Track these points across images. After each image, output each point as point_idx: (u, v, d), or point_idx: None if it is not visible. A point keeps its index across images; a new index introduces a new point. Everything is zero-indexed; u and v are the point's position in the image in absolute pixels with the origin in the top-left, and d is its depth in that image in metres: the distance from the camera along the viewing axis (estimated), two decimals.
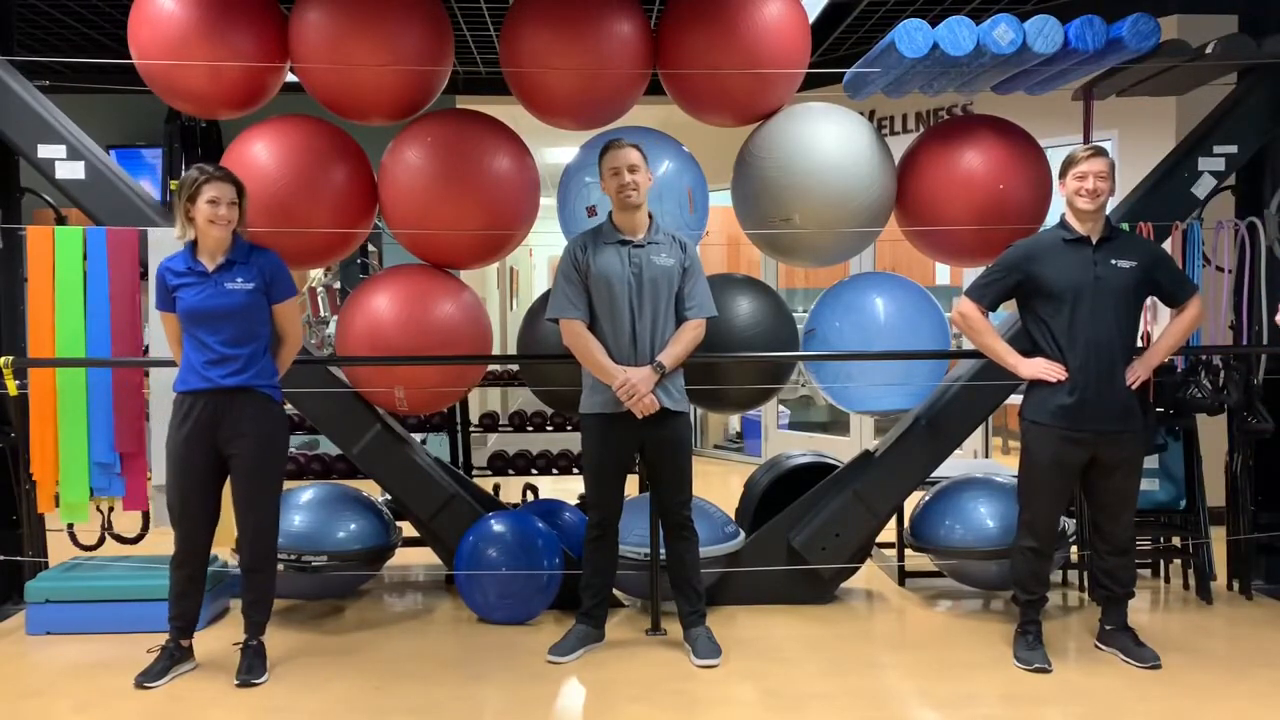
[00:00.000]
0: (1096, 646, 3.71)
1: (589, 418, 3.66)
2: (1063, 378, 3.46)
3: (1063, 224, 3.55)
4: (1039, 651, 3.56)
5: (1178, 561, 4.56)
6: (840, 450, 5.95)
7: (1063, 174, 3.54)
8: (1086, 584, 4.35)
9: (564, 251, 3.69)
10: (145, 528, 4.16)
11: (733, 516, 4.55)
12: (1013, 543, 3.70)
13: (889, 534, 4.57)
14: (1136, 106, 5.09)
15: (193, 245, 3.41)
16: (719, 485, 6.81)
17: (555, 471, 5.30)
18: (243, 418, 3.39)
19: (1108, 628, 3.69)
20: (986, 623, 4.09)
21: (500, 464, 5.30)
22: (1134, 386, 3.49)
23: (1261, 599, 4.33)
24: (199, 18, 3.87)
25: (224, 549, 3.82)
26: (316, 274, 7.63)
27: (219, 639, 3.81)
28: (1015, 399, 3.83)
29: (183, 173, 3.85)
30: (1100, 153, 3.49)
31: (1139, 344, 3.75)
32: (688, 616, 3.74)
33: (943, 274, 7.92)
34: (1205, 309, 3.56)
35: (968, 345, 3.95)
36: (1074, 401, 3.44)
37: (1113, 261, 3.46)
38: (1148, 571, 4.71)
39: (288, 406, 4.93)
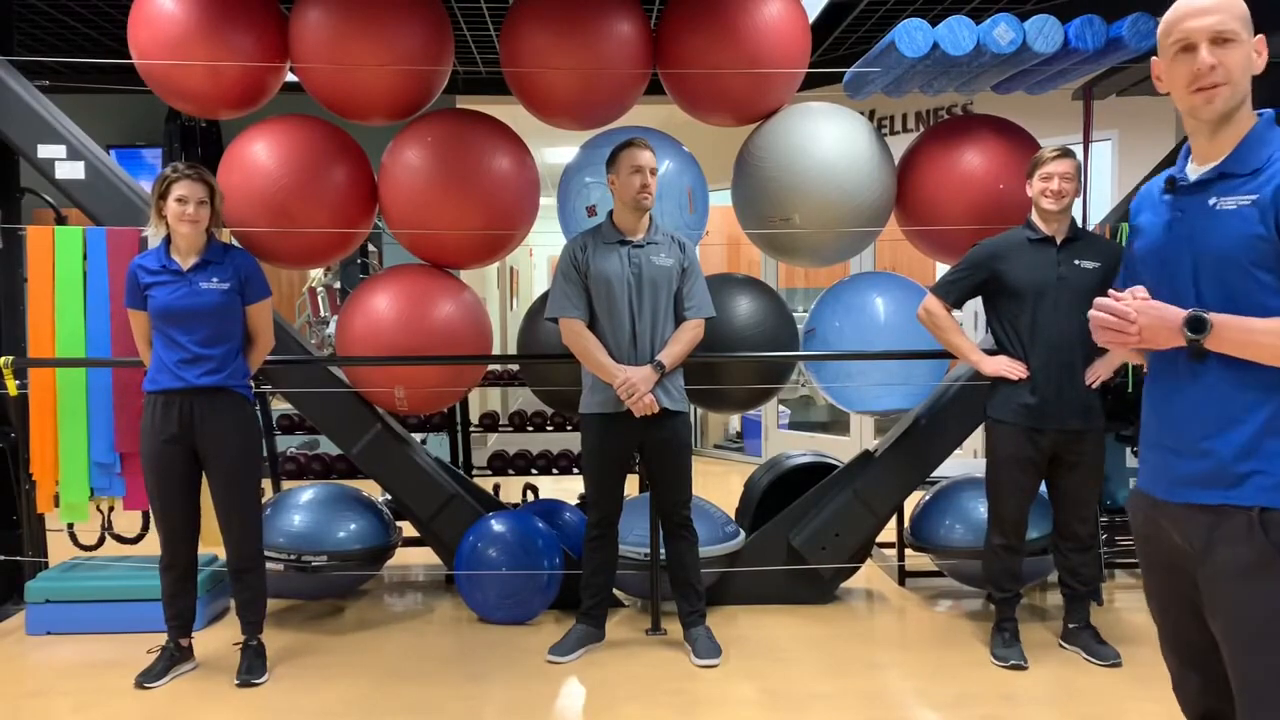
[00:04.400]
0: (1060, 645, 3.75)
1: (589, 417, 3.66)
2: (1024, 376, 3.51)
3: (1028, 224, 3.59)
4: (1015, 649, 3.60)
5: None
6: (840, 450, 5.94)
7: (1030, 174, 3.58)
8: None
9: (563, 251, 3.69)
10: (145, 528, 4.16)
11: (733, 516, 4.55)
12: (984, 542, 3.74)
13: (889, 534, 4.57)
14: (1136, 106, 5.09)
15: (167, 244, 3.42)
16: (719, 485, 6.81)
17: (555, 471, 5.30)
18: (219, 418, 3.39)
19: (1070, 625, 3.73)
20: (987, 623, 4.07)
21: (500, 464, 5.30)
22: (1094, 386, 3.52)
23: None
24: (199, 18, 3.87)
25: (220, 549, 3.82)
26: (316, 274, 7.64)
27: (219, 639, 3.82)
28: None
29: None
30: (1067, 154, 3.53)
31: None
32: (688, 616, 3.74)
33: (942, 274, 7.92)
34: None
35: None
36: (1036, 401, 3.49)
37: (1076, 262, 3.50)
38: None
39: (286, 406, 4.95)
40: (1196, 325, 1.74)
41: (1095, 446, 3.59)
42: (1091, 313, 1.82)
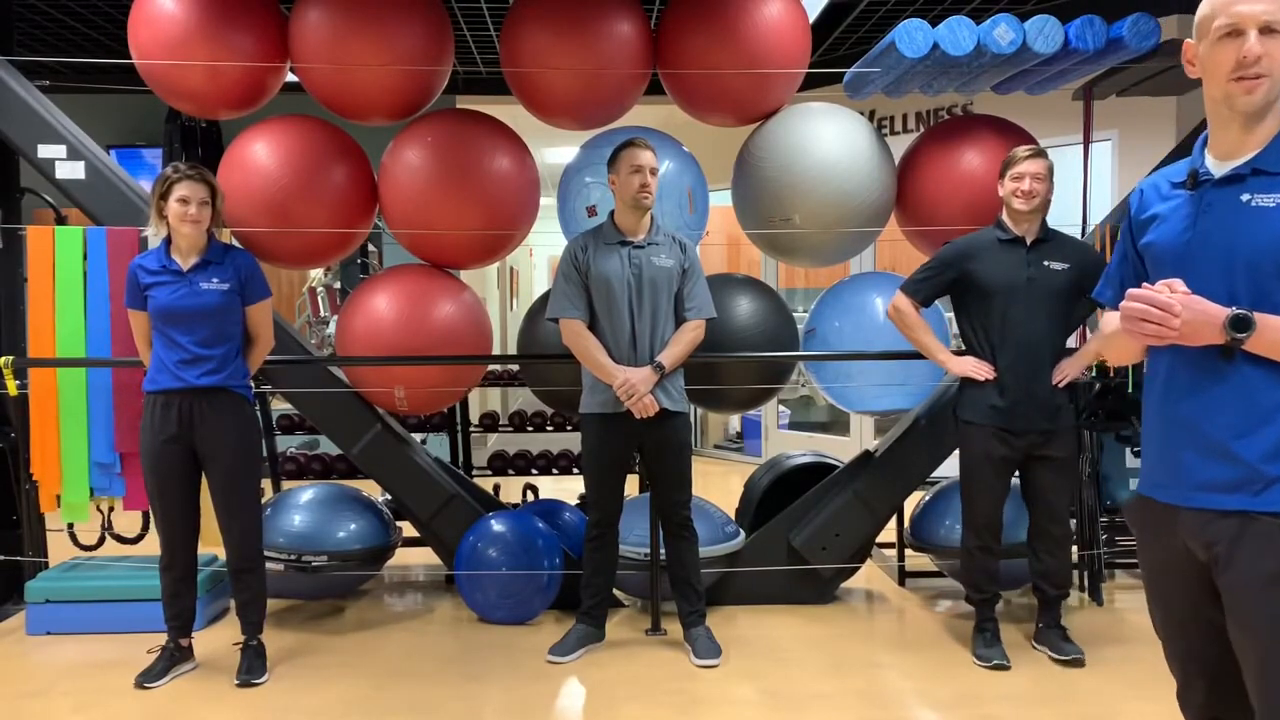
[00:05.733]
0: (1032, 645, 3.75)
1: (589, 418, 3.66)
2: (991, 376, 3.51)
3: (999, 224, 3.59)
4: (997, 648, 3.60)
5: None
6: (840, 450, 5.95)
7: (1002, 174, 3.57)
8: (1088, 584, 4.35)
9: (564, 251, 3.69)
10: (145, 528, 4.16)
11: (733, 516, 4.55)
12: (960, 544, 3.74)
13: (889, 534, 4.57)
14: (1136, 106, 5.09)
15: (167, 244, 3.42)
16: (719, 485, 6.81)
17: (555, 471, 5.30)
18: (218, 419, 3.39)
19: (1040, 625, 3.73)
20: None
21: (500, 464, 5.30)
22: (1061, 385, 3.51)
23: None
24: (199, 18, 3.87)
25: (220, 549, 3.82)
26: (316, 274, 7.64)
27: (219, 639, 3.82)
28: None
29: None
30: (1039, 154, 3.52)
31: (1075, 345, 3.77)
32: (688, 616, 3.74)
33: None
34: None
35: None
36: (1004, 402, 3.49)
37: (1045, 263, 3.50)
38: None
39: (286, 406, 4.95)
40: (1241, 324, 1.67)
41: (1066, 446, 3.59)
42: (1125, 304, 1.71)
